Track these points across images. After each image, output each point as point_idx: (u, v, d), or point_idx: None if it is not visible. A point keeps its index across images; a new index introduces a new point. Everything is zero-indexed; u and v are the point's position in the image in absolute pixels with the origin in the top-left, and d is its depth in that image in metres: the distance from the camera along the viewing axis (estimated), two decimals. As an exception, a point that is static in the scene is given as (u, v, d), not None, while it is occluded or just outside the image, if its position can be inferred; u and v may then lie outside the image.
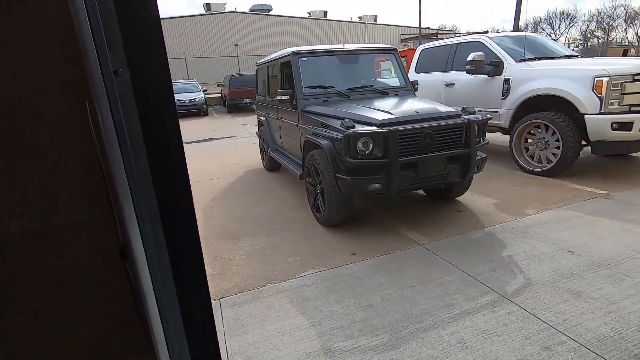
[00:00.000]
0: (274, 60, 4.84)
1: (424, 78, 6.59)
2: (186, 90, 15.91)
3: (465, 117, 3.23)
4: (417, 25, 24.91)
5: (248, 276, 2.73)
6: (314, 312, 2.24)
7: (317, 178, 3.48)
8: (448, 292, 2.33)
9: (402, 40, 33.37)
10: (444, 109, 3.36)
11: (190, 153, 7.95)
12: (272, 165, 5.70)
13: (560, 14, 52.82)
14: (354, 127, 2.98)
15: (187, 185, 0.57)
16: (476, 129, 3.27)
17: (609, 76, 3.99)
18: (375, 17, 41.24)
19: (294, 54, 4.09)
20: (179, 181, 0.57)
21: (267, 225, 3.68)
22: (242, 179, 5.53)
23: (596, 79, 4.05)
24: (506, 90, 5.03)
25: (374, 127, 2.97)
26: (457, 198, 4.03)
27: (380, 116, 3.09)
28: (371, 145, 2.95)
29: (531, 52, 5.26)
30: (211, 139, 9.83)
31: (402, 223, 3.50)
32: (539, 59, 5.03)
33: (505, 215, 3.51)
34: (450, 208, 3.81)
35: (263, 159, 6.06)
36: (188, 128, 12.29)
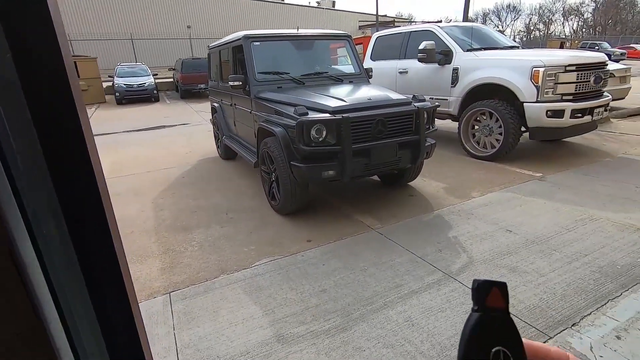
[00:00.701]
0: (225, 44, 4.65)
1: (379, 65, 6.68)
2: (134, 74, 14.92)
3: (415, 104, 3.32)
4: (375, 13, 25.14)
5: (200, 268, 2.66)
6: (268, 300, 2.23)
7: (271, 166, 3.44)
8: (398, 273, 2.43)
9: (360, 27, 33.54)
10: (395, 96, 3.43)
11: (140, 141, 7.51)
12: (227, 154, 5.54)
13: (507, 6, 55.80)
14: (307, 114, 2.96)
15: (92, 177, 0.52)
16: (425, 116, 3.39)
17: (544, 67, 4.29)
18: (334, 2, 41.00)
19: (246, 37, 3.96)
20: (83, 173, 0.52)
21: (221, 215, 3.59)
22: (196, 168, 5.33)
23: (534, 69, 4.34)
24: (455, 78, 5.24)
25: (327, 115, 2.98)
26: (409, 183, 4.18)
27: (333, 103, 3.09)
28: (324, 133, 2.95)
29: (478, 42, 5.50)
30: (163, 127, 9.34)
31: (357, 209, 3.57)
32: (485, 49, 5.27)
33: (453, 199, 3.70)
34: (403, 193, 3.95)
35: (218, 147, 5.88)
36: (137, 114, 11.58)
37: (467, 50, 5.21)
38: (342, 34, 4.59)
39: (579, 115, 4.44)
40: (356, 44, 10.59)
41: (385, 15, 38.69)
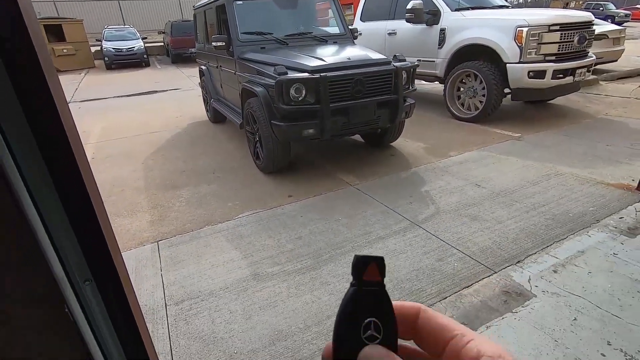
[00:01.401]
0: (209, 3, 4.59)
1: (368, 26, 6.60)
2: (123, 37, 14.51)
3: (395, 64, 3.38)
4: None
5: (187, 220, 2.85)
6: (248, 246, 2.44)
7: (255, 126, 3.55)
8: (369, 222, 2.63)
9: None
10: (375, 56, 3.48)
11: (131, 106, 7.53)
12: (216, 117, 5.61)
13: (512, -37, 53.09)
14: (287, 73, 3.04)
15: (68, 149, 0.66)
16: (405, 75, 3.46)
17: (528, 26, 4.29)
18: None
19: (228, -4, 3.92)
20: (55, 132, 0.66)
21: (209, 174, 3.75)
22: (186, 132, 5.43)
23: (517, 29, 4.34)
24: (442, 39, 5.22)
25: (306, 74, 3.05)
26: (391, 144, 4.31)
27: (313, 63, 3.16)
28: (304, 92, 3.04)
29: (466, 1, 5.42)
30: (154, 92, 9.29)
31: (339, 167, 3.73)
32: (473, 8, 5.21)
33: (431, 157, 3.86)
34: (384, 153, 4.09)
35: (207, 111, 5.93)
36: (128, 80, 11.43)
37: (455, 10, 5.16)
38: (326, -7, 4.53)
39: (561, 76, 4.50)
40: (347, 4, 10.30)
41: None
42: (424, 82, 6.57)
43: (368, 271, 0.28)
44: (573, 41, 4.50)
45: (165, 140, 4.99)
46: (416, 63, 3.62)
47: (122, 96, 8.76)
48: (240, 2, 3.99)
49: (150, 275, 2.20)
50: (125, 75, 12.36)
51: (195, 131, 5.44)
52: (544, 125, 4.75)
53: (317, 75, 2.99)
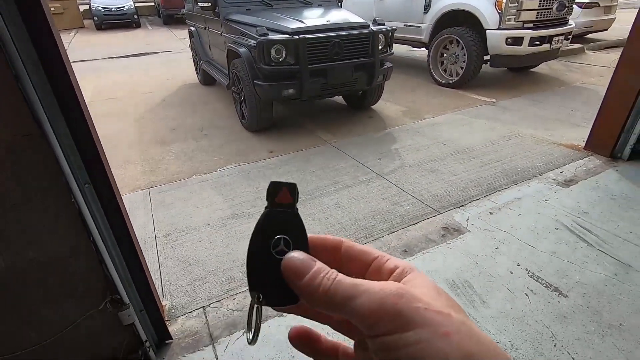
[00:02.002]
0: (196, -38, 4.61)
1: (358, -9, 6.58)
2: (112, -4, 14.08)
3: (373, 27, 3.54)
4: None
5: (176, 172, 3.13)
6: (229, 192, 2.74)
7: (240, 86, 3.75)
8: (339, 174, 2.93)
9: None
10: (354, 19, 3.63)
11: (122, 68, 7.58)
12: (206, 79, 5.74)
13: None
14: (268, 35, 3.21)
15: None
16: (383, 39, 3.64)
17: (508, -7, 4.39)
18: None
19: (213, -44, 3.97)
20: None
21: (197, 132, 3.99)
22: (176, 93, 5.58)
23: (498, -5, 4.45)
24: (427, 4, 5.30)
25: (286, 35, 3.22)
26: (372, 107, 4.53)
27: (293, 25, 3.32)
28: (284, 53, 3.23)
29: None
30: (145, 54, 9.26)
31: (319, 127, 3.98)
32: (459, -27, 5.23)
33: (407, 119, 4.10)
34: (363, 114, 4.33)
35: (197, 73, 6.05)
36: (118, 41, 11.29)
37: (441, -26, 5.19)
38: (312, -46, 4.55)
39: (537, 43, 4.66)
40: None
41: None
42: (412, 48, 6.68)
43: (280, 195, 0.29)
44: (552, 8, 4.62)
45: (156, 101, 5.17)
46: (394, 27, 3.77)
47: (112, 57, 8.76)
48: (226, -38, 4.04)
49: (142, 215, 2.50)
50: (115, 36, 12.17)
51: (185, 93, 5.59)
52: (519, 91, 4.96)
53: (296, 37, 3.16)
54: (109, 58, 8.66)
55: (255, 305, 0.29)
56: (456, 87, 5.16)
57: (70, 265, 1.17)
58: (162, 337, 1.52)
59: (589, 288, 1.72)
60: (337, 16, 3.69)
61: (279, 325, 1.58)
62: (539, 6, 4.53)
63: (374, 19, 3.75)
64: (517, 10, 4.48)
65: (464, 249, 2.02)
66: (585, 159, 2.96)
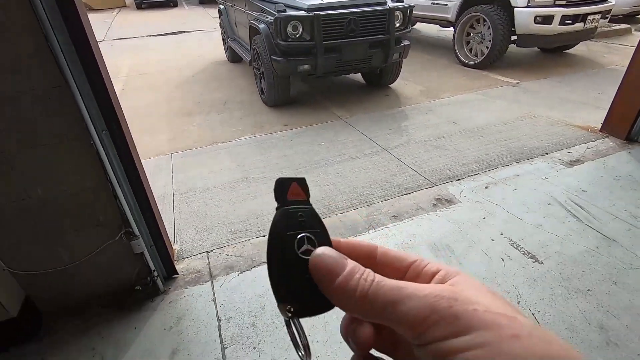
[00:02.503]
0: (224, -60, 4.76)
1: (387, -34, 6.46)
2: (151, -24, 14.57)
3: (390, 5, 3.57)
4: None
5: (196, 140, 3.39)
6: (242, 160, 2.96)
7: (259, 62, 3.92)
8: (346, 147, 3.06)
9: None
10: (372, -4, 3.66)
11: (158, 45, 7.98)
12: (233, 57, 5.97)
13: None
14: (285, 11, 3.33)
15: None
16: (400, 16, 3.65)
17: (539, -33, 4.21)
18: None
19: None
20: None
21: (220, 106, 4.24)
22: (205, 70, 5.86)
23: (528, -30, 4.26)
24: (456, -19, 5.16)
25: (303, 12, 3.33)
26: (390, 85, 4.57)
27: (310, 1, 3.41)
28: (300, 29, 3.35)
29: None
30: (180, 32, 9.65)
31: (334, 104, 4.10)
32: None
33: (423, 99, 4.12)
34: (380, 93, 4.38)
35: (225, 50, 6.28)
36: (156, 19, 11.77)
37: (472, -51, 5.01)
38: None
39: (569, 22, 4.44)
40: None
41: None
42: (441, 28, 6.53)
43: (291, 191, 0.27)
44: (587, -15, 4.38)
45: (186, 77, 5.47)
46: (412, 4, 3.76)
47: (150, 36, 9.20)
48: (251, -60, 4.15)
49: (164, 176, 2.79)
50: (154, 15, 12.67)
51: (213, 69, 5.86)
52: (546, 72, 4.79)
53: (311, 14, 3.27)
54: (146, 36, 9.11)
55: (291, 321, 0.26)
56: (480, 68, 5.05)
57: (93, 199, 1.43)
58: (170, 272, 1.78)
59: (565, 257, 1.79)
60: (355, -7, 3.73)
61: (270, 270, 1.80)
62: (573, -18, 4.31)
63: (394, -4, 3.76)
64: (549, -13, 4.29)
65: (451, 217, 2.12)
66: (598, 140, 2.90)
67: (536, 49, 5.82)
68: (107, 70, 1.32)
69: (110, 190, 1.42)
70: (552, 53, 5.71)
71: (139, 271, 1.63)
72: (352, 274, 0.23)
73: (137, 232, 1.51)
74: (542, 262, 1.77)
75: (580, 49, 5.82)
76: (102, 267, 1.57)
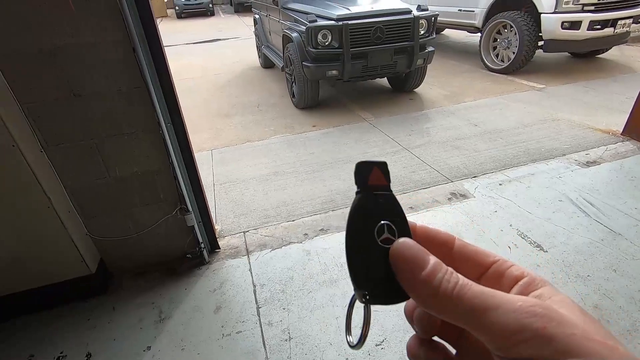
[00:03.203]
0: (262, -44, 5.15)
1: (416, -25, 6.66)
2: (191, -13, 15.47)
3: (415, 13, 3.78)
4: None
5: (233, 138, 3.74)
6: (274, 156, 3.26)
7: (291, 68, 4.23)
8: (369, 146, 3.29)
9: None
10: (398, 6, 3.89)
11: (197, 52, 8.55)
12: (266, 63, 6.35)
13: None
14: (316, 21, 3.63)
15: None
16: (426, 24, 3.86)
17: (567, -26, 4.27)
18: None
19: (276, -50, 4.46)
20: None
21: (253, 108, 4.59)
22: (240, 75, 6.28)
23: (555, -24, 4.33)
24: (483, -12, 5.27)
25: (332, 21, 3.61)
26: (415, 90, 4.75)
27: (339, 12, 3.69)
28: (330, 37, 3.63)
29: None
30: (217, 40, 10.23)
31: (361, 107, 4.34)
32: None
33: (446, 102, 4.28)
34: (405, 97, 4.58)
35: (259, 57, 6.68)
36: (195, 28, 12.50)
37: (499, -43, 5.12)
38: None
39: (598, 27, 4.45)
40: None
41: None
42: (468, 33, 6.63)
43: (372, 176, 0.26)
44: (615, -9, 4.38)
45: (223, 81, 5.90)
46: (436, 13, 3.95)
47: (189, 43, 9.84)
48: (287, -45, 4.50)
49: (205, 168, 3.13)
50: (193, 24, 13.45)
51: (248, 74, 6.27)
52: (574, 77, 4.80)
53: (340, 23, 3.54)
54: (186, 44, 9.75)
55: (365, 307, 0.25)
56: (506, 73, 5.12)
57: (157, 179, 1.75)
58: (213, 246, 2.08)
59: (569, 247, 1.93)
60: (382, 3, 3.97)
61: (297, 248, 2.06)
62: (602, -12, 4.32)
63: (418, 5, 3.96)
64: (576, -7, 4.33)
65: (465, 210, 2.30)
66: (618, 143, 2.96)
67: (567, 53, 5.80)
68: (172, 76, 1.64)
69: (170, 172, 1.74)
70: (583, 58, 5.67)
71: (189, 242, 1.94)
72: (435, 271, 0.22)
73: (190, 208, 1.82)
74: (546, 251, 1.92)
75: (613, 53, 5.74)
76: (160, 237, 1.89)
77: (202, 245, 1.94)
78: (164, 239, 1.91)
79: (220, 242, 2.14)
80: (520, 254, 1.91)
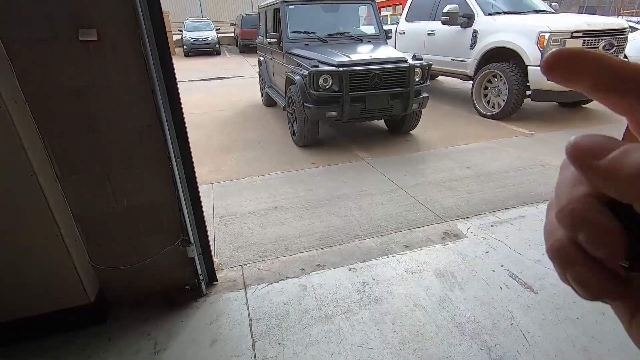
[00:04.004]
0: (269, 5, 5.56)
1: (411, 26, 7.17)
2: (199, 28, 16.34)
3: (410, 62, 4.06)
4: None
5: (234, 173, 3.85)
6: (273, 191, 3.36)
7: (293, 108, 4.45)
8: (366, 184, 3.41)
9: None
10: (394, 55, 4.18)
11: (202, 89, 8.90)
12: (268, 101, 6.62)
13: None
14: (318, 66, 3.88)
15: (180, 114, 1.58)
16: (420, 72, 4.12)
17: (550, 32, 4.64)
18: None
19: (282, 2, 4.84)
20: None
21: (255, 144, 4.75)
22: (242, 112, 6.53)
23: (540, 34, 4.71)
24: (474, 41, 5.67)
25: (333, 67, 3.86)
26: (410, 132, 4.96)
27: (339, 59, 3.96)
28: (330, 81, 3.86)
29: (505, 5, 5.76)
30: (222, 78, 10.68)
31: (359, 147, 4.51)
32: (505, 13, 5.57)
33: (440, 145, 4.46)
34: (401, 138, 4.77)
35: (262, 96, 6.98)
36: (201, 66, 13.06)
37: (488, 14, 5.56)
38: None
39: (581, 79, 4.75)
40: (397, 4, 10.79)
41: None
42: (460, 80, 7.01)
43: None
44: (598, 47, 4.74)
45: (226, 117, 6.13)
46: (430, 62, 4.24)
47: (195, 80, 10.25)
48: (292, 6, 4.88)
49: (205, 202, 3.18)
50: (199, 62, 14.07)
51: (250, 111, 6.52)
52: (562, 125, 5.05)
53: (341, 69, 3.79)
54: (192, 81, 10.16)
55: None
56: (498, 119, 5.38)
57: (162, 210, 1.82)
58: (211, 279, 2.11)
59: (559, 289, 1.99)
60: (380, 52, 4.27)
61: (294, 283, 2.09)
62: (583, 45, 4.68)
63: (414, 55, 4.26)
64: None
65: (458, 250, 2.37)
66: (604, 189, 3.09)
67: (554, 102, 6.12)
68: (183, 113, 1.77)
69: (176, 204, 1.82)
70: (569, 107, 5.98)
71: (188, 274, 1.98)
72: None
73: (192, 240, 1.88)
74: (537, 292, 1.98)
75: (597, 103, 6.04)
76: (161, 267, 1.93)
77: (201, 277, 1.98)
78: (163, 269, 1.95)
79: (218, 275, 2.18)
80: (512, 295, 1.96)
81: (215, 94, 8.20)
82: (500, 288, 2.02)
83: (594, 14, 11.70)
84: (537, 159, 3.85)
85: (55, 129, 1.55)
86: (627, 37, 4.99)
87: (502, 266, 2.19)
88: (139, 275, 1.92)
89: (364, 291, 2.02)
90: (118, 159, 1.67)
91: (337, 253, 2.38)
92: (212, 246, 2.47)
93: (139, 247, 1.87)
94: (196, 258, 1.93)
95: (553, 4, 6.39)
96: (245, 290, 2.07)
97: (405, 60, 4.09)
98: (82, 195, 1.69)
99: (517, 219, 2.69)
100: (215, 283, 2.12)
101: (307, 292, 2.02)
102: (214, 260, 2.31)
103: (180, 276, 1.98)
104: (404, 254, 2.34)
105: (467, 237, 2.50)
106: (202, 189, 3.45)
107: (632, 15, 15.20)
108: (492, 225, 2.63)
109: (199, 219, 1.95)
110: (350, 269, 2.21)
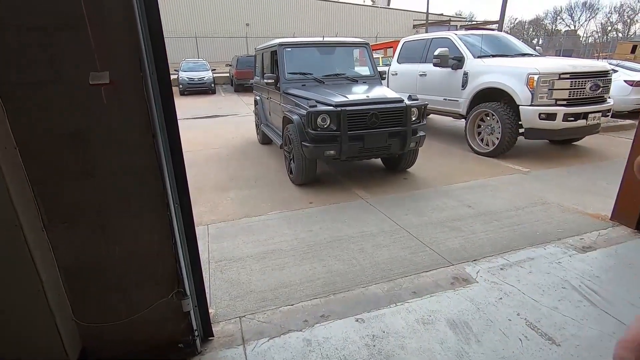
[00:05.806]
0: (266, 48, 5.72)
1: (403, 68, 7.42)
2: (196, 69, 16.77)
3: (407, 102, 4.12)
4: (431, 12, 25.32)
5: (230, 213, 3.73)
6: (272, 233, 3.23)
7: (290, 147, 4.42)
8: (367, 225, 3.30)
9: (414, 27, 33.38)
10: (390, 95, 4.25)
11: (197, 127, 8.93)
12: (264, 139, 6.63)
13: (582, 4, 51.94)
14: (316, 106, 3.90)
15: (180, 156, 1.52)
16: (417, 112, 4.18)
17: (539, 74, 4.81)
18: (389, 1, 40.97)
19: (280, 45, 4.97)
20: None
21: (251, 182, 4.67)
22: (238, 150, 6.50)
23: (529, 76, 4.88)
24: (465, 82, 5.85)
25: (331, 107, 3.89)
26: (407, 169, 4.95)
27: (337, 99, 4.00)
28: (328, 121, 3.87)
29: (493, 49, 6.03)
30: (216, 116, 10.78)
31: (357, 185, 4.45)
32: (494, 56, 5.81)
33: (438, 183, 4.44)
34: (398, 176, 4.74)
35: (258, 134, 7.01)
36: (196, 105, 13.24)
37: (478, 57, 5.79)
38: (360, 42, 5.46)
39: (572, 119, 4.88)
40: (388, 47, 11.29)
41: (442, 14, 37.97)
42: (452, 118, 7.16)
43: None
44: (585, 88, 4.91)
45: (221, 155, 6.08)
46: (426, 102, 4.31)
47: (190, 118, 10.33)
48: (289, 49, 5.02)
49: (200, 245, 3.01)
50: (195, 101, 14.28)
51: (245, 149, 6.50)
52: (556, 163, 5.10)
53: (338, 109, 3.81)
54: (188, 119, 10.23)
55: None
56: (492, 156, 5.43)
57: (156, 260, 1.69)
58: (207, 333, 1.93)
59: (582, 341, 1.86)
60: (376, 92, 4.34)
61: (297, 337, 1.93)
62: (571, 86, 4.85)
63: (409, 95, 4.34)
64: (549, 90, 4.84)
65: (469, 296, 2.24)
66: (609, 228, 3.04)
67: (546, 140, 6.25)
68: (184, 160, 1.69)
69: (172, 253, 1.69)
70: (561, 144, 6.10)
71: (182, 330, 1.81)
72: None
73: (188, 292, 1.73)
74: (559, 345, 1.84)
75: (588, 141, 6.20)
76: (152, 323, 1.76)
77: (196, 333, 1.81)
78: (155, 324, 1.78)
79: (215, 329, 2.00)
80: (533, 348, 1.82)
81: (210, 132, 8.22)
82: (520, 340, 1.88)
83: (570, 56, 12.39)
84: (536, 197, 3.82)
85: (47, 175, 1.45)
86: (611, 78, 5.20)
87: (518, 314, 2.06)
88: (129, 331, 1.74)
89: (374, 345, 1.86)
90: (114, 205, 1.56)
91: (342, 301, 2.23)
92: (207, 295, 2.30)
93: (130, 301, 1.71)
94: (191, 312, 1.77)
95: (537, 47, 6.72)
96: (244, 346, 1.89)
97: (402, 100, 4.15)
98: (71, 246, 1.56)
99: (526, 261, 2.59)
100: (211, 338, 1.94)
101: (312, 348, 1.85)
102: (210, 311, 2.14)
103: (173, 332, 1.80)
104: (413, 302, 2.20)
105: (477, 282, 2.38)
106: (197, 231, 3.30)
107: (607, 58, 16.13)
108: (502, 269, 2.52)
109: (196, 269, 1.81)
110: (357, 320, 2.06)
